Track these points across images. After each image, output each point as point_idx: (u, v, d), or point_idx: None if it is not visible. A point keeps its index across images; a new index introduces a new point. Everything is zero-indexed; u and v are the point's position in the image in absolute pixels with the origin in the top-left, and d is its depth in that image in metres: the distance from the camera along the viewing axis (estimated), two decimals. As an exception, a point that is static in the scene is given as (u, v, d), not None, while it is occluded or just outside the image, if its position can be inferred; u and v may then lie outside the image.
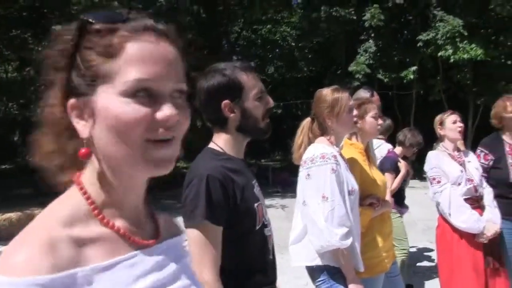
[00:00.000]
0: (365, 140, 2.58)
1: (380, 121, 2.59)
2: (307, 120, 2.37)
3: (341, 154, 2.28)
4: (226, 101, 1.51)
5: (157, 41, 0.69)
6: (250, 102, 1.54)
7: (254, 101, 1.55)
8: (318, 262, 2.19)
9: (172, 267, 0.78)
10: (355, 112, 2.30)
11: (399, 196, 4.11)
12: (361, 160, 2.45)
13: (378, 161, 3.89)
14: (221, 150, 1.56)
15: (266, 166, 17.27)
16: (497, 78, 14.09)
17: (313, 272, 2.26)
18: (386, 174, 3.94)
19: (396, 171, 4.02)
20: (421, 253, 5.72)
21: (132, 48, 0.67)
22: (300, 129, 2.37)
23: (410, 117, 14.73)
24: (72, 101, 0.70)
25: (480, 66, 14.17)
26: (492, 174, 3.33)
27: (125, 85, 0.66)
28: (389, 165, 4.02)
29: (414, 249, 5.83)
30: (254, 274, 1.51)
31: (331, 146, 2.22)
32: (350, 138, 2.57)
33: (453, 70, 14.58)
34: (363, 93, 3.26)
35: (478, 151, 3.43)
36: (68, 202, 0.72)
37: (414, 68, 13.79)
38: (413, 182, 7.82)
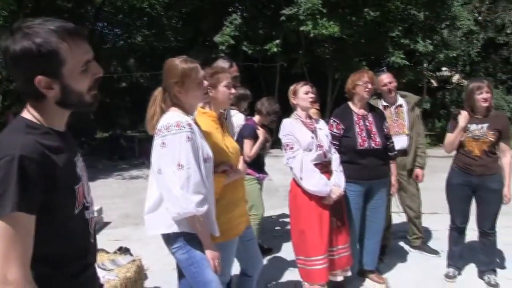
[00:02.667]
0: (218, 109, 2.60)
1: (233, 91, 2.62)
2: (159, 90, 2.30)
3: (196, 122, 2.27)
4: (40, 77, 1.22)
5: None
6: (72, 77, 1.28)
7: (78, 75, 1.29)
8: (174, 229, 2.19)
9: None
10: (206, 82, 2.30)
11: (257, 163, 4.27)
12: (213, 129, 2.47)
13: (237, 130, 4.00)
14: (37, 122, 1.29)
15: (132, 137, 16.83)
16: (352, 55, 15.25)
17: (169, 239, 2.26)
18: (245, 140, 4.06)
19: (254, 138, 4.16)
20: (281, 218, 6.06)
21: None
22: (153, 99, 2.30)
23: (274, 88, 15.31)
24: None
25: (339, 43, 15.18)
26: (343, 142, 3.62)
27: None
28: (247, 132, 4.15)
29: (275, 215, 6.17)
30: (72, 260, 1.35)
31: (185, 115, 2.20)
32: (203, 107, 2.58)
33: (314, 45, 15.41)
34: (222, 63, 3.28)
35: (331, 121, 3.68)
36: None
37: (277, 41, 14.30)
38: (276, 151, 8.22)
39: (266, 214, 5.82)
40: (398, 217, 5.49)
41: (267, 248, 4.75)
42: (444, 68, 21.04)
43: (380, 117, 3.82)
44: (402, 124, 4.38)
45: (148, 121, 2.28)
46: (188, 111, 2.25)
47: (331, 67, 15.53)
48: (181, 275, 2.50)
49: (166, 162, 2.10)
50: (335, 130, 3.62)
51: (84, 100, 1.33)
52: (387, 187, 3.87)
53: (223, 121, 2.66)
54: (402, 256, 4.59)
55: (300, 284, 3.44)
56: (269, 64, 15.82)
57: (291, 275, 4.04)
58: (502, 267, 4.28)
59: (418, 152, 4.46)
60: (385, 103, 4.41)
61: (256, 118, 4.36)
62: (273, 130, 4.85)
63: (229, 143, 2.53)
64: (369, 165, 3.64)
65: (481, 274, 3.97)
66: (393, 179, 3.91)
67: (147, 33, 18.20)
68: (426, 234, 4.77)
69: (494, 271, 3.96)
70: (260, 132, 4.19)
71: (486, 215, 3.82)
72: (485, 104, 3.69)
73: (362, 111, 3.74)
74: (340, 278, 3.51)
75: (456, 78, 21.38)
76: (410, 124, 4.40)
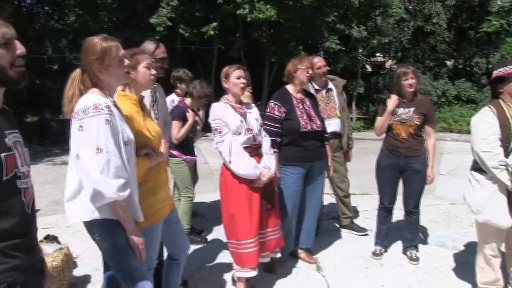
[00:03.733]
0: (139, 91, 2.52)
1: (153, 72, 2.54)
2: (77, 71, 2.16)
3: (115, 105, 2.17)
4: None
5: None
6: None
7: None
8: (96, 216, 2.09)
9: None
10: (126, 62, 2.21)
11: (186, 145, 4.22)
12: (134, 112, 2.38)
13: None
14: None
15: (64, 121, 16.07)
16: (289, 39, 15.34)
17: (91, 227, 2.16)
18: (173, 122, 4.00)
19: (183, 120, 4.10)
20: (216, 202, 6.02)
21: None
22: (70, 80, 2.16)
23: (211, 72, 15.16)
24: None
25: (276, 27, 15.21)
26: (285, 125, 3.63)
27: None
28: (177, 114, 4.10)
29: (210, 198, 6.13)
30: (3, 228, 1.39)
31: (104, 97, 2.10)
32: (123, 90, 2.48)
33: (251, 29, 15.36)
34: (149, 45, 3.16)
35: (272, 104, 3.67)
36: None
37: (214, 24, 14.11)
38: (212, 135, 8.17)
39: (202, 198, 5.82)
40: (331, 198, 5.65)
41: (199, 230, 4.74)
42: (378, 54, 21.68)
43: (314, 101, 3.89)
44: (333, 107, 4.47)
45: (65, 104, 2.13)
46: (107, 92, 2.15)
47: (268, 51, 15.54)
48: (106, 266, 2.44)
49: (84, 146, 1.99)
50: (276, 113, 3.63)
51: (8, 75, 1.40)
52: (324, 168, 3.97)
53: (144, 104, 2.58)
54: (332, 236, 4.72)
55: (232, 267, 3.44)
56: (206, 47, 15.62)
57: (224, 258, 4.05)
58: (425, 242, 4.53)
59: (348, 133, 4.59)
60: (316, 87, 4.45)
61: (188, 101, 4.30)
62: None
63: (150, 126, 2.46)
64: (310, 147, 3.71)
65: (404, 250, 4.17)
66: (330, 161, 4.00)
67: (80, 12, 17.35)
68: (356, 214, 4.94)
69: (416, 247, 4.17)
70: (190, 115, 4.14)
71: (411, 195, 3.99)
72: (411, 89, 3.83)
73: (300, 95, 3.78)
74: (268, 259, 3.55)
75: (389, 63, 22.13)
76: (341, 107, 4.51)
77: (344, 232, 4.83)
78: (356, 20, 15.74)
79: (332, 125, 4.39)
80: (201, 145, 7.71)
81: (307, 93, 3.91)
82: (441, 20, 18.94)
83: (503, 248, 3.32)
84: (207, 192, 6.00)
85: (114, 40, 2.15)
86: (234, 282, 3.53)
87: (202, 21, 14.32)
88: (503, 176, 2.94)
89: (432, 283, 3.65)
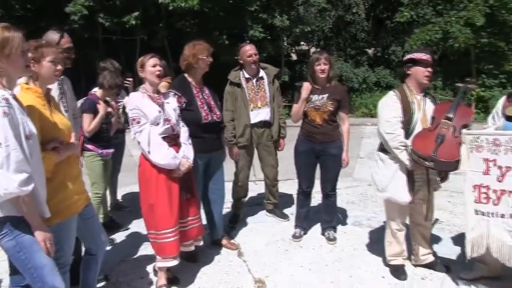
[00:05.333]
0: (44, 85, 2.43)
1: (59, 67, 2.45)
2: None
3: (15, 97, 2.09)
4: None
5: None
6: None
7: None
8: None
9: None
10: (30, 54, 2.14)
11: (101, 138, 4.12)
12: (40, 105, 2.31)
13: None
14: None
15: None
16: (213, 28, 15.28)
17: (-6, 225, 2.09)
18: (84, 115, 3.89)
19: (95, 112, 3.99)
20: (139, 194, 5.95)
21: None
22: None
23: (135, 62, 14.75)
24: None
25: (199, 16, 15.06)
26: (185, 115, 3.56)
27: None
28: (86, 106, 3.99)
29: (133, 190, 6.03)
30: None
31: (2, 89, 2.02)
32: (27, 83, 2.40)
33: (175, 18, 15.11)
34: (52, 35, 3.02)
35: (172, 93, 3.59)
36: None
37: (136, 13, 13.74)
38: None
39: (126, 190, 5.74)
40: (255, 185, 5.77)
41: (119, 223, 4.68)
42: (302, 43, 22.16)
43: (212, 90, 3.88)
44: (264, 96, 4.49)
45: None
46: (6, 84, 2.06)
47: (192, 41, 15.37)
48: (13, 269, 2.35)
49: None
50: (176, 103, 3.57)
51: None
52: (222, 158, 4.02)
53: (52, 97, 2.51)
54: (255, 222, 4.85)
55: (153, 258, 3.44)
56: (128, 37, 15.18)
57: (145, 250, 4.04)
58: (342, 223, 4.77)
59: (280, 122, 4.63)
60: (247, 75, 4.47)
61: (98, 92, 4.16)
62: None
63: (58, 120, 2.39)
64: (209, 138, 3.73)
65: (323, 231, 4.37)
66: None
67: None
68: (280, 199, 5.08)
69: (334, 228, 4.39)
70: (101, 107, 4.02)
71: (328, 178, 4.18)
72: (323, 75, 3.97)
73: (199, 84, 3.77)
74: (192, 248, 3.59)
75: (312, 52, 22.69)
76: (271, 96, 4.53)
77: (266, 217, 4.96)
78: (279, 9, 15.97)
79: (262, 114, 4.45)
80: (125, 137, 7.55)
81: (204, 82, 3.86)
82: (360, 10, 19.71)
83: (408, 222, 3.61)
84: (131, 184, 5.90)
85: (17, 31, 2.07)
86: (155, 272, 3.53)
87: (123, 10, 13.89)
88: (403, 156, 3.20)
89: (348, 260, 3.87)
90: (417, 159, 3.13)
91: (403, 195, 3.29)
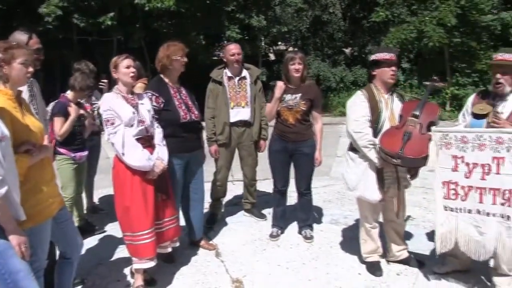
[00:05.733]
0: (15, 87, 2.38)
1: (30, 69, 2.41)
2: None
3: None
4: None
5: None
6: None
7: None
8: None
9: None
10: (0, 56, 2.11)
11: (73, 141, 4.08)
12: (11, 107, 2.26)
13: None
14: None
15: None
16: (190, 29, 15.22)
17: (-34, 231, 2.05)
18: (55, 118, 3.85)
19: (66, 115, 3.95)
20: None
21: None
22: None
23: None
24: None
25: (176, 17, 14.99)
26: (164, 115, 3.57)
27: None
28: (56, 110, 3.94)
29: (109, 193, 5.98)
30: None
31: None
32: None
33: (151, 19, 15.02)
34: (19, 36, 2.95)
35: (149, 94, 3.59)
36: None
37: (112, 14, 13.61)
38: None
39: (102, 192, 5.68)
40: (233, 185, 5.78)
41: (96, 226, 4.64)
42: (280, 43, 22.27)
43: (189, 90, 3.88)
44: (244, 96, 4.51)
45: None
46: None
47: (167, 41, 15.29)
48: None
49: None
50: (154, 104, 3.55)
51: None
52: (202, 158, 4.02)
53: (23, 99, 2.47)
54: (232, 222, 4.86)
55: (130, 260, 3.42)
56: (105, 38, 15.03)
57: (122, 252, 4.01)
58: (319, 221, 4.82)
59: (262, 124, 4.64)
60: (229, 74, 4.49)
61: (70, 94, 4.10)
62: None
63: (30, 122, 2.36)
64: (189, 138, 3.73)
65: (300, 230, 4.40)
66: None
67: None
68: (258, 199, 5.10)
69: (311, 226, 4.43)
70: (72, 109, 3.97)
71: (302, 177, 4.22)
72: (297, 75, 4.01)
73: (176, 85, 3.77)
74: (169, 249, 3.58)
75: (287, 51, 22.83)
76: (253, 97, 4.53)
77: (244, 217, 4.99)
78: (256, 10, 16.02)
79: (242, 113, 4.47)
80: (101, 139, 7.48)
81: (181, 83, 3.87)
82: (336, 10, 19.90)
83: (382, 220, 3.67)
84: (107, 186, 5.82)
85: None
86: (132, 274, 3.51)
87: (98, 11, 13.74)
88: (372, 154, 3.27)
89: (325, 258, 3.91)
90: (385, 157, 3.19)
91: (373, 194, 3.35)
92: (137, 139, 3.22)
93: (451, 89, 14.65)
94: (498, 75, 3.11)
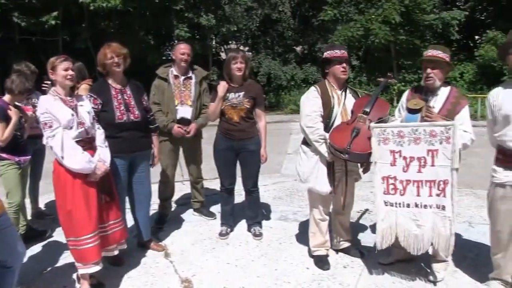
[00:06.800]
0: None
1: None
2: None
3: None
4: None
5: None
6: None
7: None
8: None
9: None
10: None
11: (16, 145, 3.94)
12: None
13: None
14: None
15: None
16: (139, 29, 15.01)
17: None
18: None
19: (6, 120, 3.80)
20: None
21: None
22: None
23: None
24: None
25: (124, 16, 14.73)
26: (102, 116, 3.54)
27: None
28: None
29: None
30: None
31: None
32: None
33: (98, 18, 14.69)
34: None
35: (88, 96, 3.55)
36: None
37: (55, 13, 13.19)
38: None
39: (49, 197, 5.50)
40: (182, 185, 5.75)
41: (41, 231, 4.50)
42: (231, 42, 22.27)
43: (138, 90, 3.84)
44: (188, 95, 4.51)
45: None
46: None
47: (117, 41, 15.00)
48: None
49: None
50: (92, 105, 3.50)
51: None
52: (149, 159, 3.97)
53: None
54: (182, 222, 4.84)
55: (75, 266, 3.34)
56: (49, 38, 14.56)
57: (68, 258, 3.90)
58: (268, 218, 4.88)
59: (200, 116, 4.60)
60: (175, 73, 4.48)
61: (7, 97, 3.92)
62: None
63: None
64: (129, 138, 3.67)
65: (249, 228, 4.44)
66: (156, 150, 4.01)
67: None
68: (207, 198, 5.09)
69: (260, 223, 4.47)
70: (12, 113, 3.83)
71: (248, 175, 4.25)
72: (239, 73, 4.04)
73: (119, 86, 3.72)
74: (116, 252, 3.53)
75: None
76: (196, 96, 4.54)
77: (193, 216, 4.97)
78: (205, 9, 15.96)
79: (183, 111, 4.46)
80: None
81: (130, 82, 3.82)
82: (285, 9, 20.12)
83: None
84: (53, 191, 5.68)
85: None
86: (79, 280, 3.43)
87: (41, 10, 13.27)
88: (323, 149, 3.37)
89: (274, 254, 3.96)
90: (334, 152, 3.28)
91: (324, 186, 3.46)
92: (77, 142, 3.14)
93: (398, 85, 15.14)
94: (429, 70, 3.27)
